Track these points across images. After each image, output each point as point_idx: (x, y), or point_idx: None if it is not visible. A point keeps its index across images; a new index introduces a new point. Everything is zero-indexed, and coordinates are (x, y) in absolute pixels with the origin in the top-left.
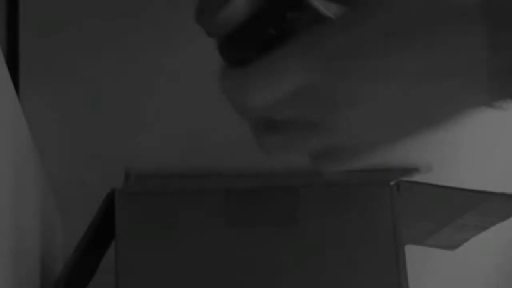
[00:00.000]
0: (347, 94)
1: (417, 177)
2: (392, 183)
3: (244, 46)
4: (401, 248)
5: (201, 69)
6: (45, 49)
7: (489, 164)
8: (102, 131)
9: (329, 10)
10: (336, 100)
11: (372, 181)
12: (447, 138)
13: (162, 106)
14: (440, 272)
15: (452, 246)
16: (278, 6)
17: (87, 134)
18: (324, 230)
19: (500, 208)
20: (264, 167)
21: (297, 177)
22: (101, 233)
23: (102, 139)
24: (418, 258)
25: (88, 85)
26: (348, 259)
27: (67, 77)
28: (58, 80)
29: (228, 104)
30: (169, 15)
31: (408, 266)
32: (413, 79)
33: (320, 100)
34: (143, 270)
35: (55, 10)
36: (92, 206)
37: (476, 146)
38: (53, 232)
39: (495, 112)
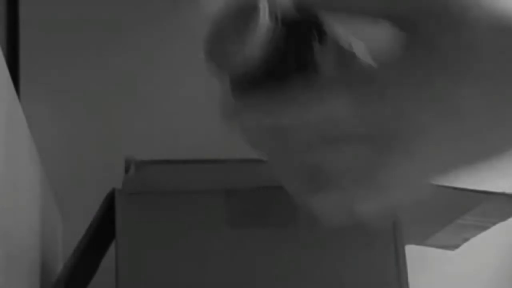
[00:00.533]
0: (403, 132)
1: None
2: None
3: (263, 82)
4: (401, 248)
5: (202, 68)
6: (45, 49)
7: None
8: (102, 131)
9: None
10: (391, 138)
11: None
12: None
13: (163, 106)
14: (440, 272)
15: (452, 246)
16: (299, 39)
17: (87, 134)
18: (324, 230)
19: (500, 208)
20: (264, 166)
21: None
22: (101, 233)
23: (102, 139)
24: (418, 258)
25: (88, 85)
26: (348, 259)
27: (67, 77)
28: (58, 80)
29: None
30: (169, 14)
31: (408, 266)
32: (479, 113)
33: (371, 141)
34: (143, 270)
35: (55, 10)
36: (92, 206)
37: None
38: (53, 232)
39: None
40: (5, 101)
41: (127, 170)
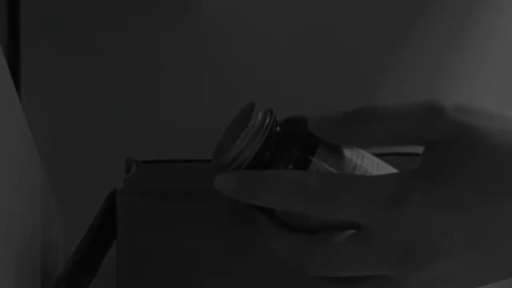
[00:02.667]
0: (431, 248)
1: None
2: None
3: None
4: None
5: (203, 68)
6: (46, 48)
7: None
8: (103, 131)
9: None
10: (418, 254)
11: None
12: None
13: (165, 107)
14: None
15: None
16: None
17: (88, 133)
18: None
19: None
20: None
21: None
22: (102, 233)
23: (103, 139)
24: None
25: (90, 85)
26: None
27: (68, 77)
28: (59, 79)
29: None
30: (171, 14)
31: None
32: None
33: (394, 255)
34: (144, 270)
35: (56, 8)
36: (92, 206)
37: None
38: (53, 232)
39: None
40: (5, 101)
41: (127, 170)
